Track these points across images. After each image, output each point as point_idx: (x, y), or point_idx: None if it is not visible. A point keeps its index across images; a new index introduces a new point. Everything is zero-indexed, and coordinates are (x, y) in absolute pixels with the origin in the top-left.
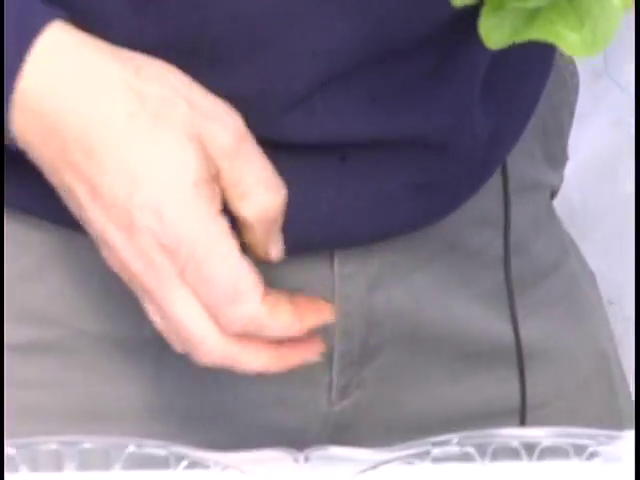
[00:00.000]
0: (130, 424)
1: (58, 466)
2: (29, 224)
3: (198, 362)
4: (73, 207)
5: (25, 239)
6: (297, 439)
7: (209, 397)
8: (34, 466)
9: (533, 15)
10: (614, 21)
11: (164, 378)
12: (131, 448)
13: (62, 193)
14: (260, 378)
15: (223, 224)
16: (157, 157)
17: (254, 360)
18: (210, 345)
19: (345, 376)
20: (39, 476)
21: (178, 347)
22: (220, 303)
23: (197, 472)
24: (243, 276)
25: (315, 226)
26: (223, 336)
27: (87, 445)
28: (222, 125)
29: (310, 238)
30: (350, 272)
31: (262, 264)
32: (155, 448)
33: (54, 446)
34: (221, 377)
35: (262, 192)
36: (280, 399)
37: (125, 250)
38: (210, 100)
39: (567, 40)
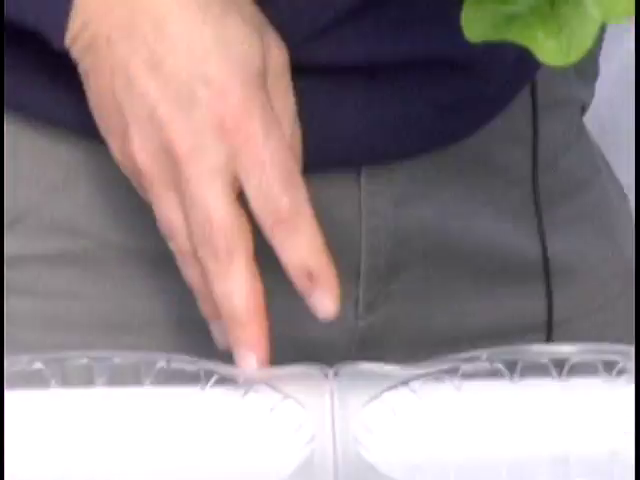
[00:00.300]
0: (157, 337)
1: (88, 381)
2: (55, 137)
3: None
4: (119, 83)
5: (52, 152)
6: (323, 355)
7: None
8: (64, 381)
9: (513, 16)
10: (590, 31)
11: (190, 292)
12: (161, 363)
13: (99, 74)
14: (286, 290)
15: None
16: (227, 42)
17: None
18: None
19: (372, 291)
20: (69, 392)
21: (197, 239)
22: (271, 189)
23: (226, 388)
24: (294, 165)
25: (341, 143)
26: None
27: (117, 360)
28: (279, 44)
29: (336, 155)
30: (377, 188)
31: None
32: (185, 364)
33: (84, 361)
34: None
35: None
36: (306, 314)
37: (175, 124)
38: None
39: (543, 46)
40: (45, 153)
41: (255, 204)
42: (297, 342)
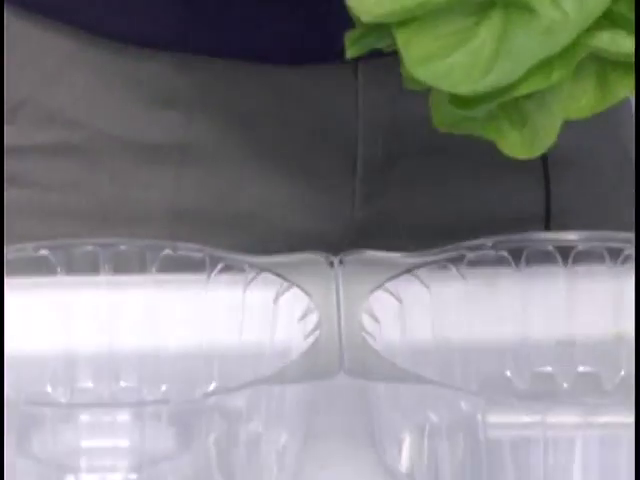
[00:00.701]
0: (155, 228)
1: (94, 268)
2: (50, 28)
3: None
4: None
5: (46, 42)
6: (320, 249)
7: (233, 201)
8: (69, 268)
9: None
10: (554, 127)
11: (188, 182)
12: (167, 251)
13: None
14: (284, 184)
15: None
16: None
17: None
18: None
19: (368, 183)
20: (75, 279)
21: None
22: None
23: (232, 275)
24: None
25: (339, 35)
26: None
27: (122, 247)
28: None
29: (334, 48)
30: (374, 79)
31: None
32: (191, 251)
33: (90, 248)
34: (246, 178)
35: None
36: (304, 204)
37: None
38: None
39: (508, 138)
40: (41, 42)
41: None
42: (293, 235)
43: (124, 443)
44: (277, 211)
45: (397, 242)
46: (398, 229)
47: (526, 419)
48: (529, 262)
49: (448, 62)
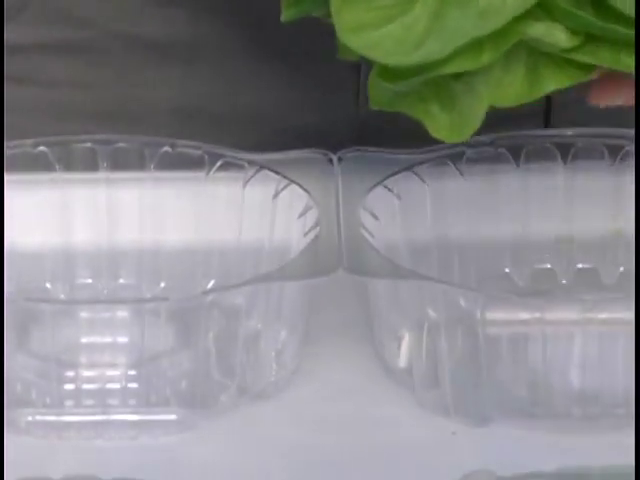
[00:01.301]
0: (161, 126)
1: (92, 165)
2: None
3: None
4: None
5: None
6: (323, 144)
7: (238, 100)
8: (68, 165)
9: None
10: (479, 111)
11: (194, 81)
12: (165, 148)
13: None
14: (286, 82)
15: None
16: None
17: None
18: None
19: None
20: (73, 175)
21: None
22: None
23: (231, 173)
24: None
25: None
26: None
27: (121, 144)
28: None
29: None
30: None
31: None
32: (189, 149)
33: (88, 145)
34: (250, 77)
35: None
36: (308, 102)
37: None
38: None
39: (436, 120)
40: None
41: None
42: (297, 131)
43: (123, 339)
44: (282, 109)
45: (399, 142)
46: (401, 129)
47: (525, 315)
48: (528, 159)
49: (380, 33)
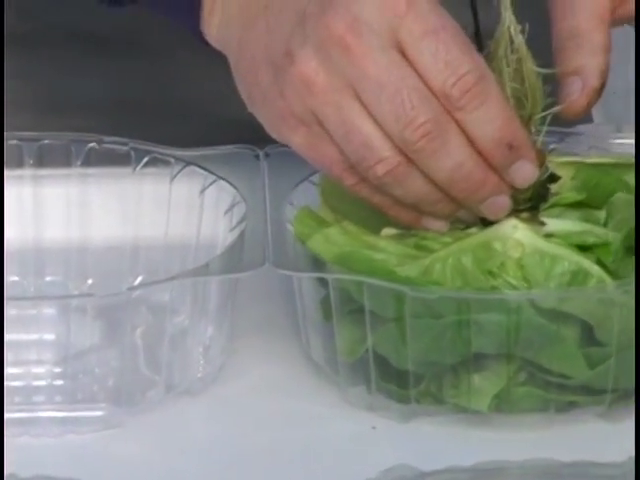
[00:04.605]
0: (96, 116)
1: (19, 163)
2: None
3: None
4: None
5: None
6: (253, 138)
7: (175, 93)
8: None
9: None
10: None
11: (131, 75)
12: (91, 144)
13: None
14: (215, 72)
15: None
16: None
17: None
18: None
19: None
20: None
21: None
22: (450, 53)
23: (158, 169)
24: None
25: None
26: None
27: (47, 141)
28: None
29: None
30: None
31: None
32: (116, 145)
33: (13, 142)
34: (187, 70)
35: None
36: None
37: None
38: None
39: None
40: None
41: (433, 74)
42: (227, 123)
43: (49, 336)
44: (218, 102)
45: None
46: None
47: None
48: None
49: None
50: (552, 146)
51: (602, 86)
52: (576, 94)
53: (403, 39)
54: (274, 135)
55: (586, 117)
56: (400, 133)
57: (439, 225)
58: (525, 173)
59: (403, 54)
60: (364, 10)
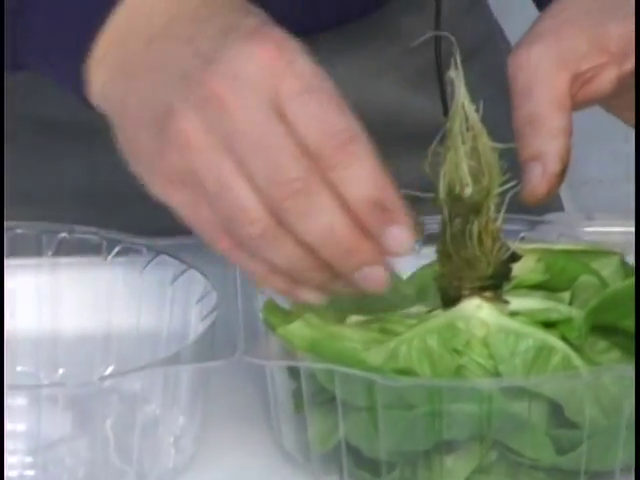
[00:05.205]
0: (67, 206)
1: None
2: None
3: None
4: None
5: None
6: None
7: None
8: None
9: None
10: None
11: (100, 161)
12: (63, 234)
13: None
14: None
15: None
16: None
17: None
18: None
19: None
20: None
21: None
22: (324, 112)
23: (130, 258)
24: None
25: None
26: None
27: (19, 231)
28: None
29: None
30: None
31: None
32: (87, 234)
33: None
34: None
35: None
36: None
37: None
38: None
39: None
40: None
41: (308, 132)
42: None
43: (21, 427)
44: None
45: None
46: None
47: None
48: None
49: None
50: (522, 234)
51: (563, 170)
52: (536, 179)
53: (281, 98)
54: (157, 195)
55: (557, 206)
56: (270, 191)
57: (314, 297)
58: (399, 238)
59: (281, 113)
60: (244, 68)
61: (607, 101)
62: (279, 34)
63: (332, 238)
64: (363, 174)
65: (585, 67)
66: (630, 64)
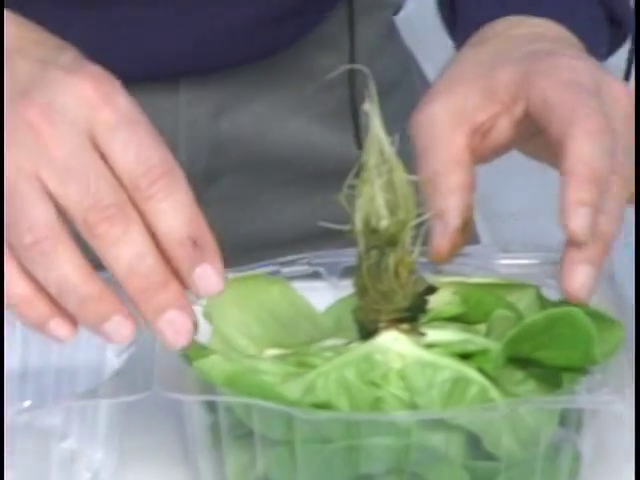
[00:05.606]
0: None
1: None
2: None
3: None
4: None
5: None
6: None
7: None
8: None
9: None
10: None
11: None
12: None
13: None
14: None
15: None
16: None
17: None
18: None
19: None
20: None
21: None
22: (140, 144)
23: None
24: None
25: (160, 56)
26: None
27: None
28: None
29: (155, 66)
30: (195, 98)
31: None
32: None
33: None
34: None
35: None
36: None
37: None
38: None
39: None
40: None
41: (122, 163)
42: None
43: None
44: None
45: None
46: (220, 244)
47: None
48: (344, 276)
49: None
50: (438, 267)
51: (466, 224)
52: (439, 236)
53: (96, 129)
54: None
55: (473, 239)
56: (83, 215)
57: (67, 331)
58: (209, 280)
59: (96, 144)
60: (61, 99)
61: (520, 147)
62: (96, 69)
63: (141, 270)
64: (176, 207)
65: (481, 119)
66: (519, 109)
